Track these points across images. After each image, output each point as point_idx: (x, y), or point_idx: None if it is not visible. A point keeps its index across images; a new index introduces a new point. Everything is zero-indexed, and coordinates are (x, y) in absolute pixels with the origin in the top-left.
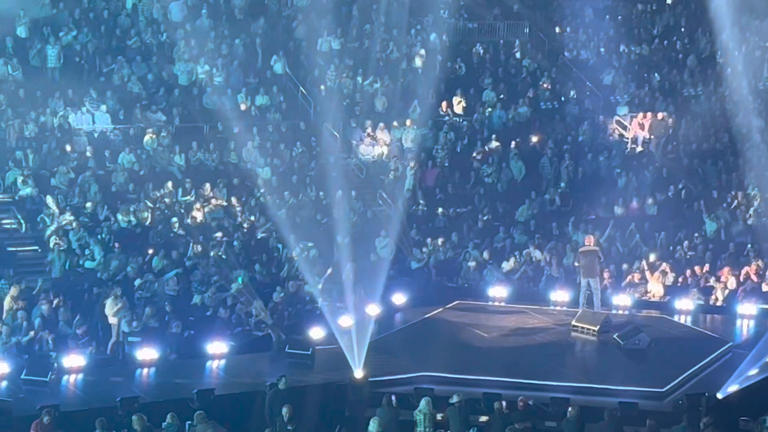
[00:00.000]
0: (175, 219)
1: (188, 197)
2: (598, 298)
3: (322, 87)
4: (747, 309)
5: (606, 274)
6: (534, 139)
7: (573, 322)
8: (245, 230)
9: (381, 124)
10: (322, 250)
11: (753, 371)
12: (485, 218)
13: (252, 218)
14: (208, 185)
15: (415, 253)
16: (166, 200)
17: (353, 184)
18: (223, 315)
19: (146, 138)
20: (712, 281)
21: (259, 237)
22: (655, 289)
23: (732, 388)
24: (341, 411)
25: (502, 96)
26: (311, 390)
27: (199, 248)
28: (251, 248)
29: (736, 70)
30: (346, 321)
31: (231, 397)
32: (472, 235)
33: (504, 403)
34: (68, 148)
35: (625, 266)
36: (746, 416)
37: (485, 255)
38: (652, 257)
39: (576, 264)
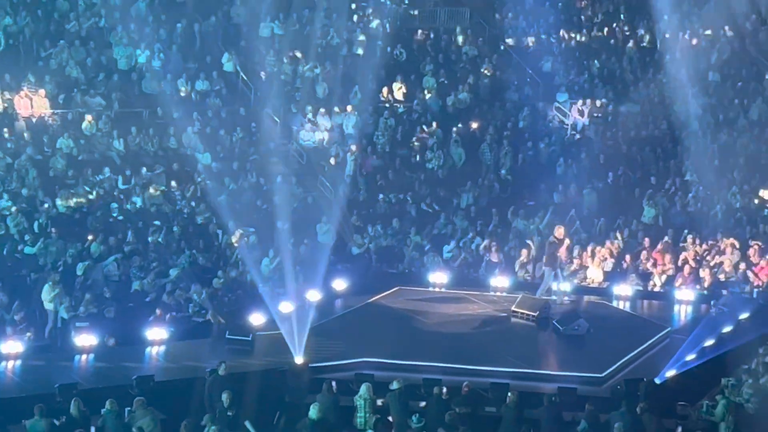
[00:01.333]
0: (114, 204)
1: None
2: (546, 286)
3: (263, 72)
4: (685, 294)
5: (545, 259)
6: (474, 125)
7: (513, 308)
8: (185, 216)
9: (322, 110)
10: (262, 236)
11: (690, 356)
12: (426, 204)
13: (192, 204)
14: (143, 170)
15: (356, 239)
16: (105, 185)
17: (294, 170)
18: (167, 301)
19: (85, 123)
20: (650, 267)
21: (199, 222)
22: (595, 274)
23: (670, 373)
24: (281, 397)
25: (443, 81)
26: (251, 376)
27: (131, 234)
28: (191, 234)
29: (675, 57)
30: (286, 307)
31: (171, 384)
32: (412, 221)
33: (444, 389)
34: (6, 133)
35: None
36: (684, 401)
37: (425, 241)
38: (591, 244)
39: (537, 252)
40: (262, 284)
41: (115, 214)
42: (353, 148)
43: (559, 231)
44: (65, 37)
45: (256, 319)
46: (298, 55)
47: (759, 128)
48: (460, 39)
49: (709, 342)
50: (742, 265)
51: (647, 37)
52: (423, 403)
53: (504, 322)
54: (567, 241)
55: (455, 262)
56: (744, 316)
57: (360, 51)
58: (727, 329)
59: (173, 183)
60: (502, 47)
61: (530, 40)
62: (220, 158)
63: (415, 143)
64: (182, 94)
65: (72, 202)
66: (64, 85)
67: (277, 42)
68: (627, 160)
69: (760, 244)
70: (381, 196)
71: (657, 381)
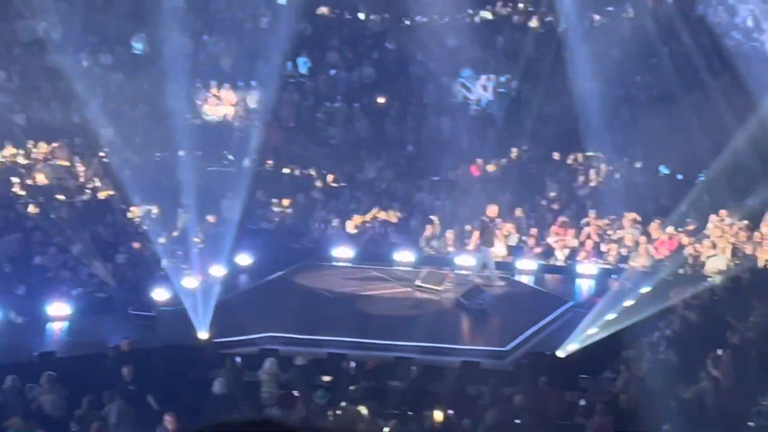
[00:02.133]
0: (15, 179)
1: None
2: (492, 267)
3: (167, 46)
4: (587, 269)
5: (450, 235)
6: (379, 100)
7: (417, 282)
8: (88, 190)
9: (226, 84)
10: (166, 211)
11: (592, 330)
12: (331, 179)
13: (95, 178)
14: (45, 144)
15: (261, 214)
16: (6, 160)
17: (198, 144)
18: (69, 277)
19: None
20: (553, 241)
21: (102, 198)
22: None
23: (572, 346)
24: (185, 372)
25: (347, 56)
26: (155, 352)
27: (38, 209)
28: (94, 209)
29: (578, 33)
30: (190, 282)
31: (73, 360)
32: (317, 196)
33: (352, 363)
34: None
35: (468, 228)
36: (586, 374)
37: (330, 216)
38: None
39: (475, 232)
40: (165, 259)
41: (16, 189)
42: (257, 122)
43: (492, 210)
44: None
45: (160, 294)
46: (203, 29)
47: (660, 104)
48: (364, 14)
49: (611, 316)
50: (643, 239)
51: (551, 13)
52: (328, 378)
53: (408, 296)
54: (495, 221)
55: (360, 236)
56: (645, 290)
57: (264, 25)
58: (628, 303)
59: (76, 157)
60: (407, 22)
61: (435, 16)
62: (124, 133)
63: (319, 118)
64: (85, 68)
65: None
66: None
67: (182, 15)
68: (531, 135)
69: (661, 219)
70: (286, 171)
71: (559, 354)
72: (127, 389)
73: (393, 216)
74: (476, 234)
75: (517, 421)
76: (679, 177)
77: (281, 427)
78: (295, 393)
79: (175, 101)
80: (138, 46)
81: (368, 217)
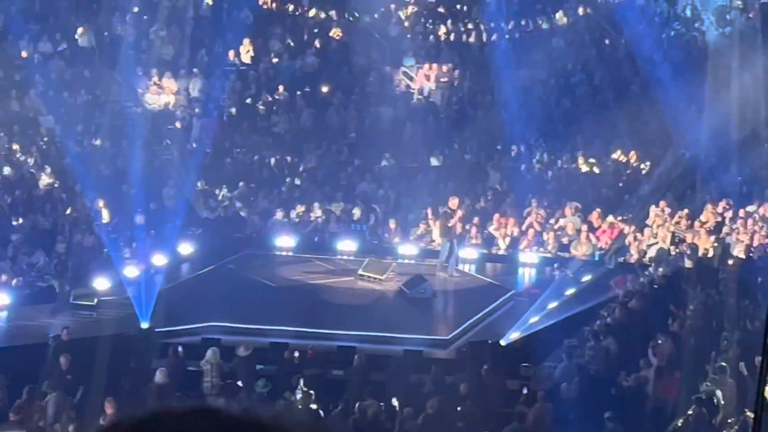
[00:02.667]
0: None
1: None
2: (454, 257)
3: (106, 33)
4: (528, 257)
5: (393, 224)
6: (322, 89)
7: (359, 271)
8: (27, 179)
9: (167, 73)
10: (107, 200)
11: (534, 319)
12: (273, 168)
13: (35, 167)
14: None
15: (202, 203)
16: None
17: (139, 133)
18: (4, 266)
19: None
20: (494, 230)
21: (42, 187)
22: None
23: (514, 335)
24: (127, 362)
25: (290, 45)
26: (96, 341)
27: None
28: (34, 198)
29: (520, 25)
30: (132, 271)
31: (13, 350)
32: (259, 185)
33: (296, 353)
34: None
35: (411, 216)
36: (527, 362)
37: (272, 205)
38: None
39: (439, 222)
40: (107, 248)
41: None
42: (199, 110)
43: (453, 202)
44: None
45: (101, 283)
46: (145, 16)
47: (601, 94)
48: (307, 1)
49: (553, 304)
50: (584, 228)
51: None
52: (268, 367)
53: (351, 285)
54: (460, 212)
55: (302, 225)
56: (587, 278)
57: (206, 13)
58: (570, 291)
59: (15, 146)
60: (348, 11)
61: (379, 11)
62: (64, 121)
63: (261, 107)
64: (24, 56)
65: None
66: None
67: (124, 3)
68: (472, 124)
69: (602, 208)
70: (228, 160)
71: (501, 343)
72: (65, 379)
73: (337, 209)
74: (440, 224)
75: (459, 408)
76: (621, 167)
77: (222, 414)
78: (239, 383)
79: (117, 90)
80: (79, 34)
81: (317, 213)
